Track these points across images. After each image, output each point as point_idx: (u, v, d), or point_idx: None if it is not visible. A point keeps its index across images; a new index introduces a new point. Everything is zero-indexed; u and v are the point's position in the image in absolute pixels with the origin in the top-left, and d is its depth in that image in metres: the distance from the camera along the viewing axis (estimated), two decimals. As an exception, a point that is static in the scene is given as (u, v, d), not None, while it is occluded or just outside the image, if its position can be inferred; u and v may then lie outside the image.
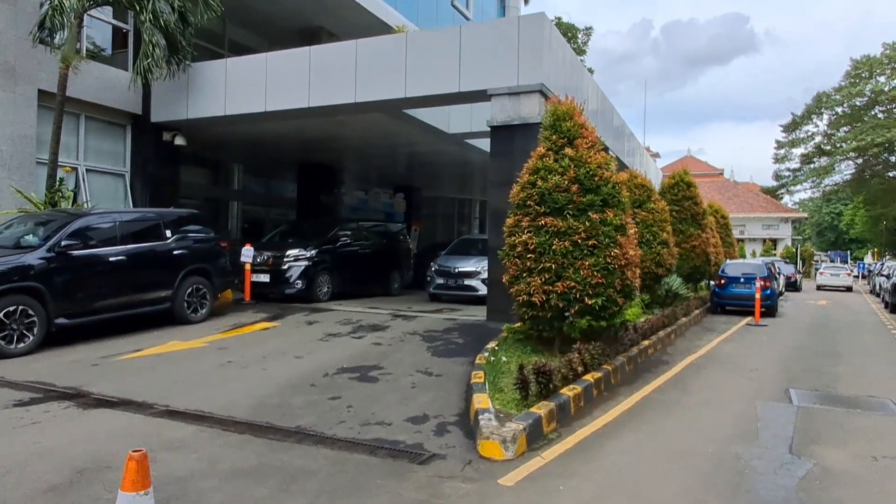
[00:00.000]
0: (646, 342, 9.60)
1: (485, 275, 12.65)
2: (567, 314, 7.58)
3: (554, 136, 7.92)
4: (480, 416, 5.00)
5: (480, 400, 5.43)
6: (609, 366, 7.46)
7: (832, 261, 58.14)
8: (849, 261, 58.59)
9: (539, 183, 7.68)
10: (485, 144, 15.42)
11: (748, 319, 15.22)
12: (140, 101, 13.48)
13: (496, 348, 7.56)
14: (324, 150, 17.07)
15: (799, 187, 60.53)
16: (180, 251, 9.87)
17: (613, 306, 7.67)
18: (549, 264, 7.44)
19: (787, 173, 60.55)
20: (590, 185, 7.61)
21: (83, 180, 12.67)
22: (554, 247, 7.44)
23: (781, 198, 62.70)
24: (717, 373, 8.47)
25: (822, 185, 58.82)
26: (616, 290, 7.53)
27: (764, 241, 51.87)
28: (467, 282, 13.53)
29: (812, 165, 57.83)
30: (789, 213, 54.77)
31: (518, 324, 9.35)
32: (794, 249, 50.28)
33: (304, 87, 11.91)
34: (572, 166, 7.62)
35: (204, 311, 10.24)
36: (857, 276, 37.82)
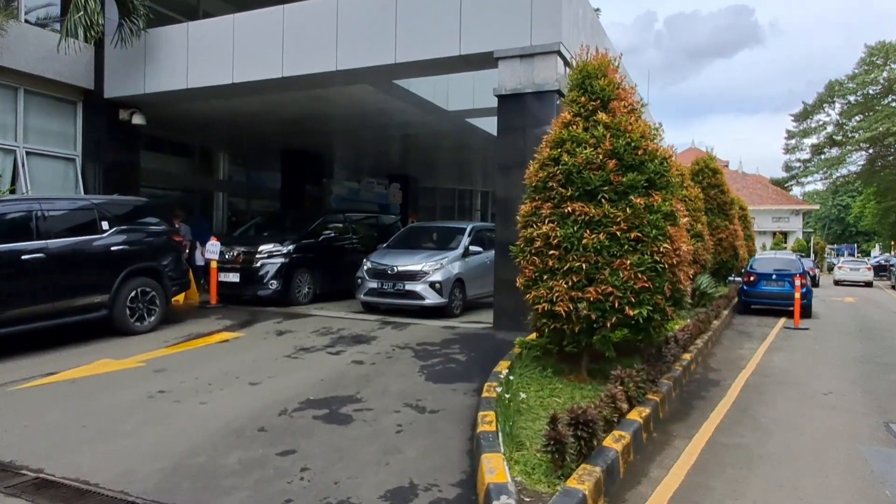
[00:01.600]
0: (687, 356, 7.89)
1: (436, 276, 10.22)
2: (598, 326, 5.83)
3: (583, 99, 6.16)
4: (495, 502, 3.25)
5: (493, 466, 3.68)
6: (656, 395, 5.73)
7: (839, 254, 56.31)
8: (855, 254, 56.86)
9: (564, 158, 5.92)
10: (488, 125, 13.68)
11: (784, 321, 13.51)
12: (92, 73, 11.71)
13: (509, 376, 5.79)
14: (308, 133, 15.28)
15: (810, 178, 58.87)
16: (121, 247, 8.11)
17: (660, 317, 5.93)
18: (577, 263, 5.69)
19: (797, 164, 58.82)
20: (631, 160, 5.85)
21: (22, 165, 10.89)
22: (584, 241, 5.70)
23: (790, 189, 60.90)
24: (785, 398, 6.73)
25: (834, 177, 57.11)
26: (665, 296, 5.78)
27: (774, 233, 50.07)
28: (410, 286, 10.23)
29: (823, 156, 56.10)
30: (800, 206, 52.95)
31: (533, 334, 7.66)
32: (805, 242, 48.52)
33: (276, 54, 10.13)
34: (608, 136, 5.86)
35: (153, 318, 8.49)
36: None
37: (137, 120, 11.89)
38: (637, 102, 6.31)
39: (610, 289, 5.60)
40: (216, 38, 10.66)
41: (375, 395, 5.76)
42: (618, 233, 5.67)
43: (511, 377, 5.86)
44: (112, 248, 7.99)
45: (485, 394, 5.34)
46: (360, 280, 10.84)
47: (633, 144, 5.86)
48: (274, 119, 13.75)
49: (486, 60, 8.97)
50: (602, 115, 5.99)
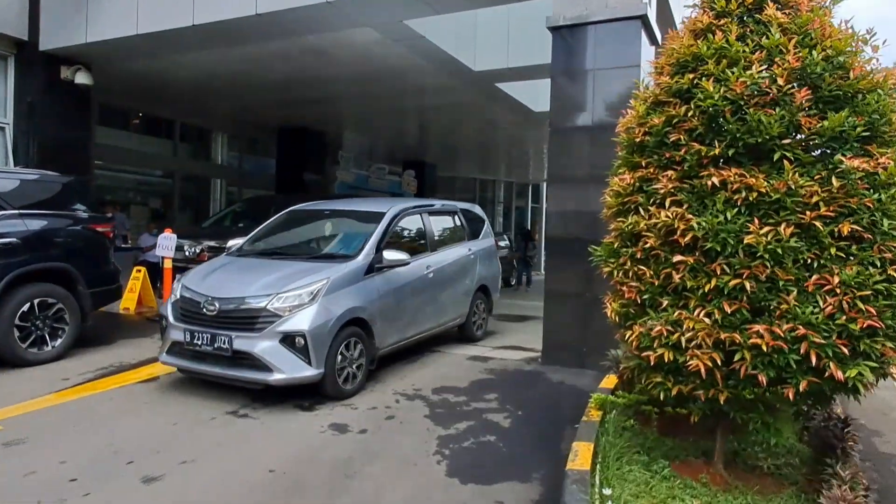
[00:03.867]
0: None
1: (298, 321, 4.77)
2: (761, 388, 3.18)
3: (733, -14, 3.48)
4: None
5: None
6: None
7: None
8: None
9: (705, 88, 3.25)
10: (522, 93, 11.08)
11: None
12: (26, 19, 9.21)
13: (601, 482, 3.12)
14: (306, 105, 12.72)
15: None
16: (4, 240, 5.60)
17: (873, 377, 3.25)
18: (733, 280, 3.05)
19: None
20: (836, 88, 3.17)
21: (-73, 132, 8.47)
22: (749, 238, 3.03)
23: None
24: None
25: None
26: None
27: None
28: (241, 342, 4.75)
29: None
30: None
31: (610, 377, 5.16)
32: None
33: (250, -16, 7.57)
34: (791, 45, 3.19)
35: (58, 342, 5.95)
36: None
37: (82, 79, 9.37)
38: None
39: (801, 329, 2.93)
40: (173, -33, 8.11)
41: (358, 516, 3.16)
42: (816, 224, 3.00)
43: (603, 480, 3.22)
44: (-10, 242, 5.48)
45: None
46: (164, 324, 5.32)
47: (835, 63, 3.19)
48: (262, 85, 11.22)
49: (534, -20, 6.34)
50: (773, 12, 3.31)
